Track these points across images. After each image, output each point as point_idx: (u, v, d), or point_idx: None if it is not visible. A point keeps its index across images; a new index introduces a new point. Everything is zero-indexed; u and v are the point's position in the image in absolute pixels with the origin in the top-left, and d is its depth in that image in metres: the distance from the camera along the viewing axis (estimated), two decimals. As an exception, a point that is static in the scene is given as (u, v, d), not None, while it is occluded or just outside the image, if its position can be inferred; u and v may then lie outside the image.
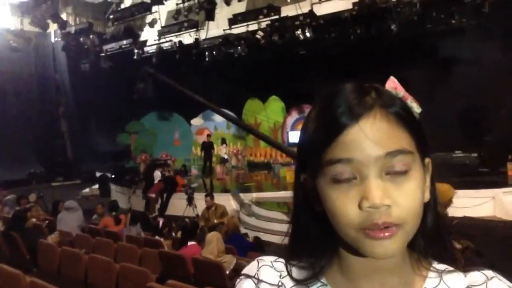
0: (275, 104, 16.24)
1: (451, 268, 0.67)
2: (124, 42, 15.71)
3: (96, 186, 15.63)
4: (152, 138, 17.13)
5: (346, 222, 0.60)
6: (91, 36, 15.62)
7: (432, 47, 12.27)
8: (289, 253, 0.72)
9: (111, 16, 16.08)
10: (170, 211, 11.17)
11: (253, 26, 13.33)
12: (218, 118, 15.95)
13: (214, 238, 5.15)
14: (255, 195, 11.22)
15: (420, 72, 12.30)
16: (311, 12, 12.09)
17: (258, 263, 0.73)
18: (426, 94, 12.38)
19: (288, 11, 12.66)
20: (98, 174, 16.84)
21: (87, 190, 15.60)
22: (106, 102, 17.08)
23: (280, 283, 0.70)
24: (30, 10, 14.43)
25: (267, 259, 0.73)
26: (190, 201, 10.20)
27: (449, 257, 0.69)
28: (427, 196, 0.65)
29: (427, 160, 0.66)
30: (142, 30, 16.54)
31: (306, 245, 0.71)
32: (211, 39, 14.14)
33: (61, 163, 19.47)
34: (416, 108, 0.68)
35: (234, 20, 13.41)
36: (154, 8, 14.50)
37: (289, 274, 0.70)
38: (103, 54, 16.17)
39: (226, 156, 15.72)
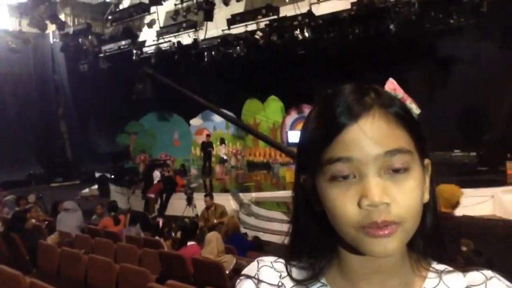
0: (274, 104, 16.24)
1: (450, 268, 0.68)
2: (123, 42, 15.69)
3: (96, 186, 15.63)
4: (152, 139, 17.12)
5: (345, 220, 0.61)
6: (89, 37, 15.61)
7: (431, 46, 12.27)
8: (289, 253, 0.73)
9: (110, 17, 16.04)
10: (170, 211, 11.17)
11: (251, 26, 13.33)
12: (217, 118, 15.94)
13: (213, 238, 5.15)
14: (254, 195, 11.22)
15: (419, 72, 12.30)
16: (309, 12, 12.09)
17: (258, 263, 0.73)
18: (424, 93, 12.41)
19: (286, 11, 12.66)
20: (97, 174, 16.83)
21: (86, 190, 15.60)
22: (105, 102, 17.08)
23: (280, 284, 0.71)
24: (28, 11, 14.41)
25: (267, 260, 0.74)
26: (190, 201, 10.20)
27: (448, 258, 0.70)
28: (426, 197, 0.66)
29: (427, 161, 0.67)
30: (140, 30, 16.54)
31: (306, 245, 0.71)
32: (210, 40, 14.14)
33: (60, 164, 19.46)
34: (415, 110, 0.69)
35: (233, 20, 13.40)
36: (153, 8, 14.48)
37: (289, 275, 0.71)
38: (101, 55, 16.16)
39: (225, 157, 15.72)
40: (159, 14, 15.04)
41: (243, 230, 8.36)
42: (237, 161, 16.88)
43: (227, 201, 10.46)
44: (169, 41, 14.98)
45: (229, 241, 6.33)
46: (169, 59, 14.69)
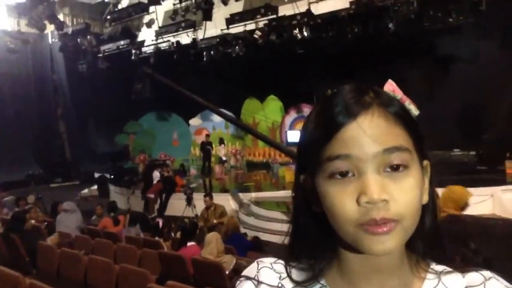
0: (273, 104, 16.24)
1: (449, 269, 0.68)
2: (122, 42, 15.68)
3: (95, 187, 15.63)
4: (151, 139, 17.11)
5: (344, 218, 0.61)
6: (88, 37, 15.59)
7: (430, 45, 12.28)
8: (289, 254, 0.73)
9: (108, 17, 16.03)
10: (169, 212, 11.17)
11: (250, 26, 13.32)
12: (216, 118, 15.94)
13: (213, 239, 5.15)
14: (254, 194, 11.23)
15: (418, 71, 12.31)
16: (308, 11, 12.09)
17: (258, 264, 0.73)
18: (424, 92, 12.41)
19: (285, 10, 12.66)
20: (96, 175, 16.82)
21: (86, 191, 15.60)
22: (104, 102, 17.08)
23: (280, 285, 0.70)
24: (26, 11, 14.39)
25: (267, 261, 0.73)
26: (189, 201, 10.20)
27: (447, 259, 0.69)
28: (425, 198, 0.66)
29: (426, 162, 0.67)
30: (139, 30, 16.53)
31: (306, 246, 0.71)
32: (209, 39, 14.13)
33: (59, 164, 19.46)
34: (414, 111, 0.69)
35: (232, 19, 13.40)
36: (151, 8, 14.47)
37: (289, 276, 0.70)
38: (100, 55, 16.14)
39: (224, 158, 15.70)
40: (158, 13, 15.03)
41: (242, 230, 8.37)
42: (237, 161, 16.88)
43: (226, 201, 10.46)
44: (168, 40, 14.97)
45: (228, 241, 6.33)
46: (168, 59, 14.68)
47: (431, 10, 10.43)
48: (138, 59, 15.23)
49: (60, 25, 15.16)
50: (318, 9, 12.40)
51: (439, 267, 0.68)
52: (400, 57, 11.81)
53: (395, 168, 0.61)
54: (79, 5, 18.04)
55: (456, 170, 10.49)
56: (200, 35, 14.42)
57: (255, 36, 12.85)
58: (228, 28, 13.64)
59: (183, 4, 14.03)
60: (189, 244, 5.46)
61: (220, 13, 13.67)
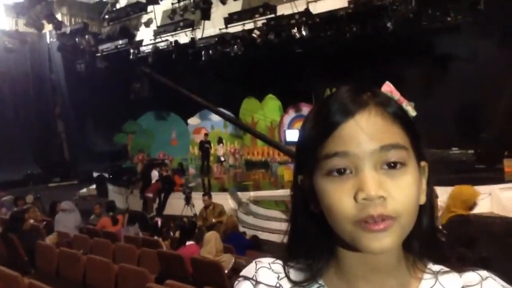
0: (272, 103, 16.24)
1: (446, 269, 0.68)
2: (120, 42, 15.67)
3: (94, 186, 15.61)
4: (149, 138, 17.11)
5: (341, 215, 0.61)
6: (86, 36, 15.57)
7: (428, 44, 12.28)
8: (287, 254, 0.73)
9: (107, 16, 16.01)
10: (168, 211, 11.17)
11: (249, 25, 13.32)
12: (215, 117, 15.94)
13: (212, 238, 5.15)
14: (252, 193, 11.24)
15: (416, 70, 12.31)
16: (307, 10, 12.10)
17: (256, 264, 0.74)
18: (422, 91, 12.41)
19: (284, 9, 12.66)
20: (95, 174, 16.81)
21: (84, 190, 15.58)
22: (103, 102, 17.05)
23: (278, 285, 0.71)
24: (24, 10, 14.36)
25: (265, 261, 0.74)
26: (188, 200, 10.20)
27: (444, 259, 0.70)
28: (423, 198, 0.66)
29: (423, 163, 0.67)
30: (137, 30, 16.52)
31: (304, 246, 0.71)
32: (207, 38, 14.13)
33: (58, 164, 19.44)
34: (411, 112, 0.69)
35: (230, 19, 13.40)
36: (150, 8, 14.46)
37: (287, 276, 0.71)
38: (99, 54, 16.13)
39: (222, 159, 15.68)
40: (156, 13, 15.01)
41: (241, 229, 8.37)
42: (235, 160, 16.88)
43: (225, 200, 10.47)
44: (166, 40, 14.97)
45: (227, 240, 6.33)
46: (167, 58, 14.67)
47: (429, 9, 10.45)
48: (137, 59, 15.22)
49: (58, 25, 15.14)
50: (316, 8, 12.40)
51: (436, 267, 0.69)
52: (399, 56, 11.82)
53: (392, 165, 0.61)
54: (77, 4, 18.01)
55: (454, 169, 10.50)
56: (198, 34, 14.41)
57: (254, 35, 12.86)
58: (226, 28, 13.64)
59: (182, 3, 14.02)
60: (188, 243, 5.46)
61: (219, 12, 13.66)
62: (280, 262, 0.73)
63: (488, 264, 2.85)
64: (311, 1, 12.74)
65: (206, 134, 15.33)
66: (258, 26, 13.08)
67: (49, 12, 14.41)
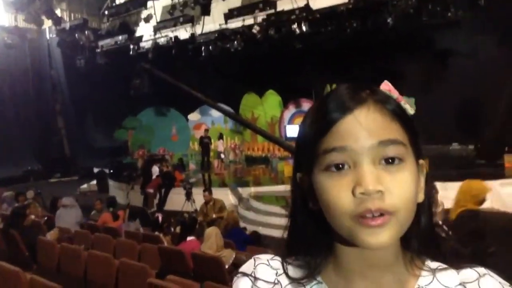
0: (272, 98, 16.22)
1: (444, 266, 0.68)
2: (120, 37, 15.63)
3: (94, 182, 15.62)
4: (150, 134, 17.10)
5: (339, 210, 0.61)
6: (86, 32, 15.54)
7: (428, 40, 12.26)
8: (286, 251, 0.73)
9: (106, 12, 15.97)
10: (169, 206, 11.19)
11: (249, 21, 13.29)
12: (215, 113, 15.93)
13: (213, 233, 5.16)
14: (253, 189, 11.26)
15: (417, 65, 12.30)
16: (307, 6, 12.06)
17: (254, 261, 0.74)
18: (422, 87, 12.39)
19: (284, 5, 12.63)
20: (95, 170, 16.82)
21: (85, 186, 15.59)
22: (103, 98, 17.04)
23: (276, 281, 0.71)
24: (24, 6, 14.35)
25: (264, 257, 0.74)
26: (189, 196, 10.21)
27: (442, 257, 0.70)
28: (421, 196, 0.67)
29: (422, 161, 0.68)
30: (137, 25, 16.46)
31: (303, 243, 0.72)
32: (207, 34, 14.09)
33: (58, 160, 19.45)
34: (410, 110, 0.69)
35: (230, 14, 13.36)
36: (149, 3, 14.43)
37: (285, 272, 0.71)
38: (98, 50, 16.10)
39: (222, 156, 15.67)
40: (156, 8, 14.97)
41: (242, 225, 8.39)
42: (236, 155, 16.88)
43: (226, 196, 10.48)
44: (166, 36, 14.93)
45: (228, 235, 6.35)
46: (166, 54, 14.64)
47: (429, 4, 10.41)
48: (136, 54, 15.20)
49: (57, 21, 15.12)
50: (316, 4, 12.35)
51: (434, 264, 0.69)
52: (399, 51, 11.81)
53: (390, 161, 0.61)
54: (77, 0, 17.96)
55: (454, 164, 10.53)
56: (198, 30, 14.38)
57: (254, 31, 12.83)
58: (226, 23, 13.61)
59: (181, -1, 13.99)
60: (188, 238, 5.47)
61: (219, 8, 13.63)
62: (279, 258, 0.73)
63: (495, 259, 2.87)
64: (311, -3, 12.70)
65: (206, 130, 15.32)
66: (258, 21, 13.04)
67: (48, 8, 14.39)
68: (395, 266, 0.68)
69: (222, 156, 15.66)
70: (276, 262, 0.73)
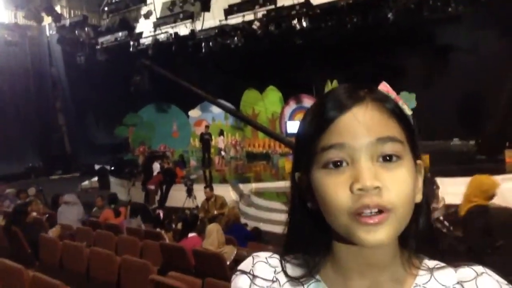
0: (273, 94, 16.21)
1: (442, 264, 0.69)
2: (120, 34, 15.61)
3: (95, 179, 15.64)
4: (150, 130, 17.10)
5: (337, 207, 0.61)
6: (86, 29, 15.53)
7: (429, 35, 12.24)
8: (284, 249, 0.74)
9: (106, 8, 15.94)
10: (170, 203, 11.21)
11: (249, 17, 13.26)
12: (216, 109, 15.92)
13: (214, 230, 5.17)
14: (254, 185, 11.27)
15: (417, 60, 12.28)
16: (307, 1, 12.02)
17: (253, 259, 0.74)
18: (423, 82, 12.38)
19: (284, 0, 12.60)
20: (97, 166, 16.84)
21: (86, 182, 15.62)
22: (103, 95, 17.04)
23: (274, 279, 0.72)
24: (24, 3, 14.33)
25: (262, 255, 0.74)
26: (190, 192, 10.23)
27: (440, 256, 0.70)
28: (419, 197, 0.67)
29: (419, 161, 0.68)
30: (137, 22, 16.43)
31: (301, 242, 0.72)
32: (207, 30, 14.07)
33: (59, 157, 19.47)
34: (407, 110, 0.70)
35: (230, 10, 13.33)
36: (149, -1, 14.41)
37: (283, 270, 0.72)
38: (98, 47, 16.08)
39: (223, 153, 15.68)
40: (156, 5, 14.94)
41: (243, 221, 8.40)
42: (236, 152, 16.88)
43: (227, 192, 10.49)
44: (166, 32, 14.90)
45: (229, 231, 6.36)
46: (167, 50, 14.62)
47: (430, -1, 10.39)
48: (137, 51, 15.17)
49: (57, 17, 15.10)
50: (316, -1, 12.34)
51: (432, 263, 0.69)
52: (400, 46, 11.78)
53: (388, 158, 0.62)
54: (77, -4, 17.94)
55: (455, 160, 10.52)
56: (198, 26, 14.35)
57: (254, 26, 12.80)
58: (226, 19, 13.57)
59: (181, -5, 13.95)
60: (190, 235, 5.49)
61: (218, 3, 13.59)
62: (277, 256, 0.74)
63: (502, 254, 2.87)
64: (312, -8, 12.65)
65: (207, 126, 15.32)
66: (258, 17, 13.01)
67: (48, 5, 14.37)
68: (393, 265, 0.68)
69: (223, 152, 15.67)
70: (275, 260, 0.73)
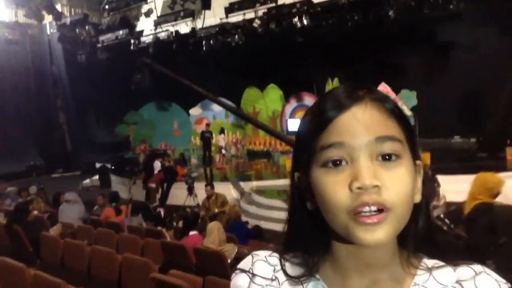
0: (274, 93, 16.20)
1: (441, 263, 0.69)
2: (120, 32, 15.60)
3: (96, 177, 15.64)
4: (151, 129, 17.12)
5: (336, 205, 0.61)
6: (86, 27, 15.52)
7: (430, 32, 12.21)
8: (284, 248, 0.74)
9: (107, 7, 15.94)
10: (171, 201, 11.21)
11: (250, 14, 13.25)
12: (216, 107, 15.92)
13: (215, 228, 5.17)
14: (255, 183, 11.27)
15: (418, 58, 12.25)
16: (308, -1, 12.02)
17: (252, 257, 0.75)
18: (424, 79, 12.36)
19: (284, -2, 12.58)
20: (98, 165, 16.84)
21: (87, 181, 15.62)
22: (104, 93, 17.04)
23: (274, 277, 0.72)
24: (24, 1, 14.33)
25: (262, 254, 0.75)
26: (191, 190, 10.24)
27: (439, 255, 0.70)
28: (418, 197, 0.67)
29: (418, 162, 0.68)
30: (138, 20, 16.42)
31: (301, 242, 0.72)
32: (208, 28, 14.06)
33: (60, 155, 19.49)
34: (407, 111, 0.70)
35: (231, 8, 13.32)
36: (150, -3, 14.40)
37: (283, 269, 0.72)
38: (99, 45, 16.08)
39: (224, 151, 15.68)
40: (156, 3, 14.94)
41: (244, 219, 8.40)
42: (237, 150, 16.89)
43: (227, 190, 10.49)
44: (167, 30, 14.90)
45: (230, 229, 6.36)
46: (167, 48, 14.62)
47: (431, -4, 10.37)
48: (137, 49, 15.17)
49: (58, 16, 15.09)
50: (317, -3, 12.31)
51: (431, 262, 0.69)
52: (400, 44, 11.75)
53: (387, 157, 0.62)
54: (77, -5, 17.92)
55: (456, 157, 10.52)
56: (199, 24, 14.34)
57: (255, 24, 12.79)
58: (227, 17, 13.56)
59: (182, -7, 13.94)
60: (191, 233, 5.49)
61: (219, 1, 13.58)
62: (277, 255, 0.74)
63: (505, 251, 2.88)
64: (312, -10, 12.63)
65: (207, 124, 15.32)
66: (259, 15, 13.00)
67: (48, 3, 14.36)
68: (392, 264, 0.68)
69: (224, 150, 15.67)
70: (274, 258, 0.74)
